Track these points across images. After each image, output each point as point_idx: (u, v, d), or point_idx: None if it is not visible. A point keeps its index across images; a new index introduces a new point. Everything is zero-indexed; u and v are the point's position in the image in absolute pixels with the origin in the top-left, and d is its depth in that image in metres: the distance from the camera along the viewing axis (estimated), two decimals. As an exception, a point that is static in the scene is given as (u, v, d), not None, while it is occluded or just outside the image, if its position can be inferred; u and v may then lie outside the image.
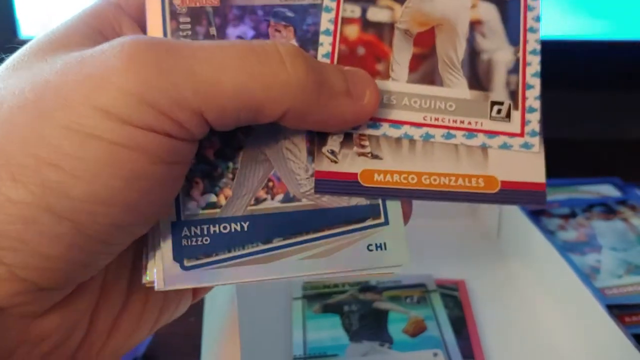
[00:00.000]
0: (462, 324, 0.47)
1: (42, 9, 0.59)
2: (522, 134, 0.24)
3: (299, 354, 0.44)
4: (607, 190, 0.63)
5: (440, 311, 0.48)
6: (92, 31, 0.23)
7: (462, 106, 0.25)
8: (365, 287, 0.50)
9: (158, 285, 0.23)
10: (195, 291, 0.27)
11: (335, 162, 0.24)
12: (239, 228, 0.24)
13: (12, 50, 0.22)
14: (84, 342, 0.23)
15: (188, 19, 0.24)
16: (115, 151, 0.19)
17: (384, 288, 0.50)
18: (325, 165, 0.24)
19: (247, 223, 0.24)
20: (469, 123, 0.24)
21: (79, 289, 0.22)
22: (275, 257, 0.24)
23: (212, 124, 0.20)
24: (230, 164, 0.24)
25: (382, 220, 0.24)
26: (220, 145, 0.24)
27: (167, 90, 0.19)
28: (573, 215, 0.58)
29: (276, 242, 0.24)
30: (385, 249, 0.24)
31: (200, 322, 0.46)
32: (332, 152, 0.24)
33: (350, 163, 0.24)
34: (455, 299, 0.50)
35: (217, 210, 0.24)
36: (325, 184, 0.24)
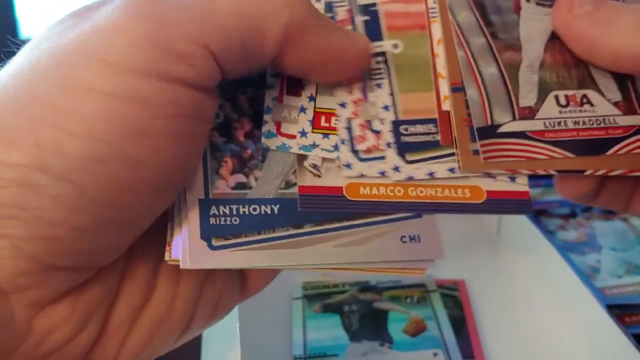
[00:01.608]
0: (462, 324, 0.47)
1: (42, 9, 0.59)
2: None
3: (299, 353, 0.44)
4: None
5: (440, 311, 0.48)
6: None
7: None
8: (365, 287, 0.50)
9: (183, 264, 0.22)
10: (245, 287, 0.26)
11: (319, 176, 0.23)
12: (269, 211, 0.23)
13: (12, 50, 0.22)
14: (99, 339, 0.21)
15: None
16: (112, 103, 0.17)
17: (384, 288, 0.50)
18: (308, 180, 0.23)
19: (278, 206, 0.23)
20: None
21: (94, 275, 0.20)
22: (306, 242, 0.23)
23: (217, 55, 0.19)
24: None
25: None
26: (250, 127, 0.24)
27: (166, 26, 0.18)
28: (573, 215, 0.58)
29: (307, 228, 0.23)
30: (419, 241, 0.24)
31: (200, 322, 0.46)
32: (315, 166, 0.23)
33: (334, 177, 0.23)
34: (455, 299, 0.50)
35: (247, 191, 0.23)
36: (310, 199, 0.23)
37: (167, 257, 0.22)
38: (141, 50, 0.18)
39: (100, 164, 0.18)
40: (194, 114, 0.19)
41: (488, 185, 0.24)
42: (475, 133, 0.23)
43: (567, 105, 0.23)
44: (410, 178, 0.23)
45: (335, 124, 0.23)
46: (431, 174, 0.23)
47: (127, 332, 0.22)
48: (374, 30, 0.24)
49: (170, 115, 0.18)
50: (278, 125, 0.24)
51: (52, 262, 0.18)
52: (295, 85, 0.24)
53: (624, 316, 0.46)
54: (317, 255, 0.23)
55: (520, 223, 0.53)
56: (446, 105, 0.24)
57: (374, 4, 0.24)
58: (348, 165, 0.23)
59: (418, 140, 0.23)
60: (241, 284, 0.26)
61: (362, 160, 0.23)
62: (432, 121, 0.24)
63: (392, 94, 0.24)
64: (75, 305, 0.20)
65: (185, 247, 0.22)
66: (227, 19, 0.19)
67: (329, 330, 0.46)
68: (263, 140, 0.23)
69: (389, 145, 0.23)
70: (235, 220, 0.23)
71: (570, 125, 0.23)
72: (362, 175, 0.23)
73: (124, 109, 0.18)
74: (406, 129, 0.23)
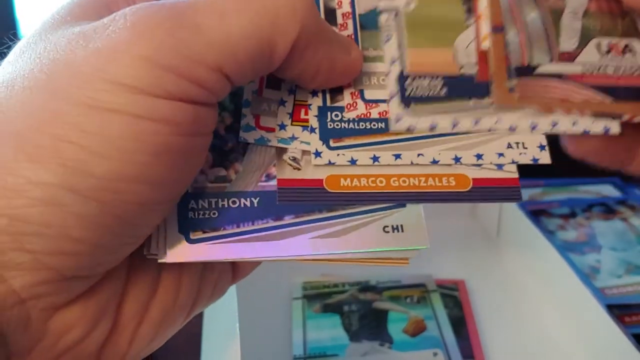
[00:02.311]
0: (461, 324, 0.47)
1: (42, 9, 0.59)
2: None
3: (299, 353, 0.44)
4: (607, 190, 0.63)
5: (440, 311, 0.48)
6: (98, 5, 0.22)
7: None
8: (365, 287, 0.50)
9: (160, 258, 0.22)
10: (235, 272, 0.26)
11: (298, 169, 0.23)
12: (248, 203, 0.23)
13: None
14: (111, 334, 0.22)
15: None
16: (137, 124, 0.18)
17: (384, 288, 0.50)
18: (287, 173, 0.23)
19: (258, 199, 0.23)
20: None
21: (104, 277, 0.21)
22: (286, 234, 0.23)
23: (231, 77, 0.19)
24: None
25: None
26: (231, 120, 0.24)
27: (179, 49, 0.18)
28: (573, 215, 0.58)
29: (287, 220, 0.23)
30: (402, 230, 0.23)
31: (200, 322, 0.46)
32: (294, 159, 0.23)
33: (314, 169, 0.23)
34: (455, 299, 0.50)
35: (227, 184, 0.23)
36: (289, 192, 0.23)
37: (145, 251, 0.22)
38: (157, 74, 0.18)
39: (124, 183, 0.18)
40: (208, 129, 0.20)
41: (474, 173, 0.24)
42: (512, 71, 0.23)
43: (609, 52, 0.24)
44: (354, 161, 0.23)
45: (306, 114, 0.23)
46: (375, 158, 0.23)
47: (136, 325, 0.22)
48: None
49: (190, 133, 0.19)
50: (257, 118, 0.24)
51: (71, 274, 0.19)
52: (275, 78, 0.24)
53: (624, 316, 0.46)
54: (297, 247, 0.23)
55: (520, 223, 0.53)
56: (485, 45, 0.24)
57: None
58: (317, 154, 0.23)
59: (423, 94, 0.23)
60: (233, 268, 0.26)
61: (331, 148, 0.23)
62: (439, 76, 0.24)
63: (400, 48, 0.24)
64: (87, 306, 0.20)
65: (162, 241, 0.22)
66: (240, 41, 0.19)
67: (328, 330, 0.46)
68: (241, 133, 0.23)
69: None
70: (214, 214, 0.23)
71: (610, 72, 0.23)
72: (332, 164, 0.23)
73: (148, 129, 0.18)
74: (413, 81, 0.24)
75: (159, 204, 0.20)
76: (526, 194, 0.62)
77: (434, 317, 0.47)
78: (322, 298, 0.49)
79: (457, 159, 0.23)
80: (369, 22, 0.25)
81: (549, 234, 0.55)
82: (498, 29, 0.24)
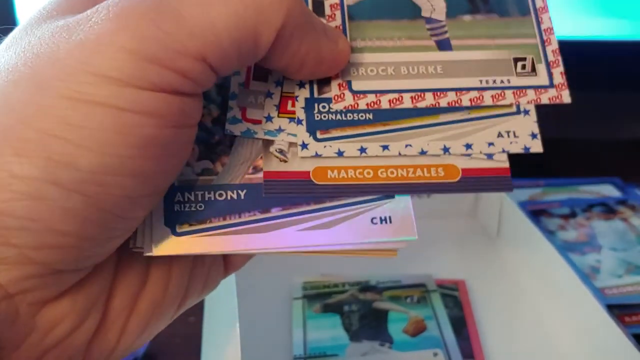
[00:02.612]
0: (462, 324, 0.47)
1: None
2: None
3: (299, 353, 0.44)
4: (607, 190, 0.63)
5: (440, 311, 0.48)
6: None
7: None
8: (366, 287, 0.50)
9: (146, 251, 0.22)
10: (227, 265, 0.26)
11: (285, 161, 0.23)
12: (235, 196, 0.23)
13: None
14: (99, 329, 0.22)
15: None
16: (122, 117, 0.18)
17: (384, 288, 0.50)
18: (274, 166, 0.23)
19: (244, 191, 0.23)
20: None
21: (92, 270, 0.21)
22: (273, 227, 0.23)
23: (215, 67, 0.19)
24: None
25: None
26: (218, 112, 0.24)
27: (162, 40, 0.18)
28: (573, 215, 0.58)
29: (275, 212, 0.23)
30: (391, 222, 0.23)
31: (200, 322, 0.46)
32: (281, 151, 0.23)
33: (300, 161, 0.23)
34: (455, 299, 0.50)
35: (213, 177, 0.23)
36: (275, 184, 0.23)
37: (131, 244, 0.22)
38: (141, 66, 0.18)
39: (110, 176, 0.18)
40: (193, 121, 0.20)
41: (464, 163, 0.23)
42: None
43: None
44: (341, 153, 0.23)
45: (293, 106, 0.23)
46: (363, 149, 0.23)
47: (126, 319, 0.22)
48: None
49: (176, 125, 0.19)
50: (243, 111, 0.23)
51: (59, 267, 0.19)
52: (262, 70, 0.23)
53: (624, 316, 0.46)
54: (284, 239, 0.23)
55: (520, 223, 0.53)
56: None
57: None
58: (304, 146, 0.23)
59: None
60: (225, 261, 0.26)
61: (318, 140, 0.23)
62: None
63: None
64: (75, 300, 0.20)
65: (149, 234, 0.22)
66: (224, 31, 0.19)
67: (329, 330, 0.46)
68: (227, 126, 0.23)
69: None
70: (201, 207, 0.23)
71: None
72: (319, 155, 0.23)
73: (133, 122, 0.18)
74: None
75: (144, 196, 0.20)
76: (526, 194, 0.62)
77: (434, 317, 0.47)
78: (322, 298, 0.49)
79: (446, 149, 0.23)
80: (357, 13, 0.25)
81: (549, 234, 0.55)
82: None
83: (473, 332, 0.46)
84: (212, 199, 0.23)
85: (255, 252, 0.23)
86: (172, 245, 0.22)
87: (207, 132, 0.23)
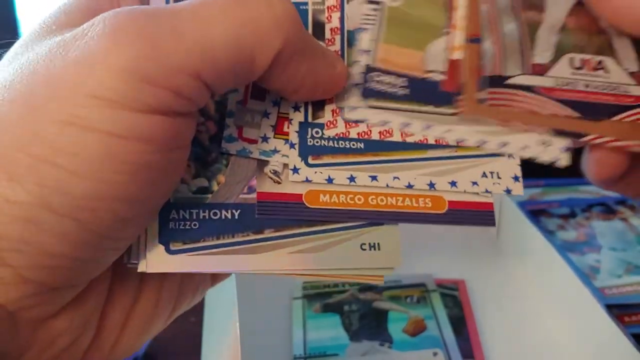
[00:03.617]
0: (461, 324, 0.47)
1: (42, 9, 0.59)
2: None
3: (299, 353, 0.44)
4: (607, 190, 0.63)
5: (440, 311, 0.48)
6: (85, 12, 0.21)
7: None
8: (365, 287, 0.50)
9: (140, 268, 0.22)
10: (214, 277, 0.26)
11: (279, 182, 0.23)
12: (229, 215, 0.23)
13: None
14: (94, 340, 0.22)
15: None
16: (115, 143, 0.18)
17: (384, 288, 0.50)
18: (267, 187, 0.23)
19: (239, 211, 0.23)
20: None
21: (88, 286, 0.21)
22: (265, 248, 0.23)
23: (210, 85, 0.19)
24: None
25: None
26: (216, 130, 0.24)
27: (158, 58, 0.18)
28: (573, 215, 0.58)
29: (267, 233, 0.23)
30: (379, 249, 0.23)
31: (200, 322, 0.47)
32: (275, 173, 0.23)
33: (294, 184, 0.23)
34: (455, 299, 0.50)
35: (209, 195, 0.23)
36: (268, 206, 0.23)
37: (125, 260, 0.22)
38: (136, 86, 0.18)
39: (102, 201, 0.18)
40: (187, 142, 0.20)
41: (451, 195, 0.24)
42: (484, 82, 0.23)
43: (581, 68, 0.24)
44: (330, 180, 0.23)
45: (287, 127, 0.23)
46: (352, 178, 0.23)
47: (119, 331, 0.23)
48: None
49: (168, 148, 0.19)
50: (240, 129, 0.23)
51: (54, 286, 0.19)
52: (260, 89, 0.23)
53: (624, 316, 0.46)
54: (275, 261, 0.23)
55: (520, 223, 0.53)
56: (456, 55, 0.24)
57: None
58: (295, 170, 0.23)
59: (384, 89, 0.24)
60: (211, 274, 0.27)
61: (309, 165, 0.23)
62: (404, 76, 0.24)
63: (374, 41, 0.24)
64: (72, 316, 0.21)
65: (143, 250, 0.22)
66: (221, 50, 0.19)
67: (329, 330, 0.46)
68: (223, 144, 0.23)
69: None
70: (195, 225, 0.23)
71: (580, 87, 0.23)
72: (309, 181, 0.23)
73: (126, 148, 0.18)
74: (378, 76, 0.24)
75: (137, 218, 0.20)
76: (526, 194, 0.62)
77: (434, 316, 0.47)
78: (322, 298, 0.49)
79: (431, 185, 0.24)
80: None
81: (548, 234, 0.55)
82: (475, 39, 0.24)
83: (473, 332, 0.46)
84: (207, 217, 0.23)
85: (246, 272, 0.23)
86: (165, 263, 0.22)
87: (204, 149, 0.23)
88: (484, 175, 0.24)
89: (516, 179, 0.24)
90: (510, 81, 0.23)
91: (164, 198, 0.21)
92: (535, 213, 0.58)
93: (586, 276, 0.49)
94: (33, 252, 0.18)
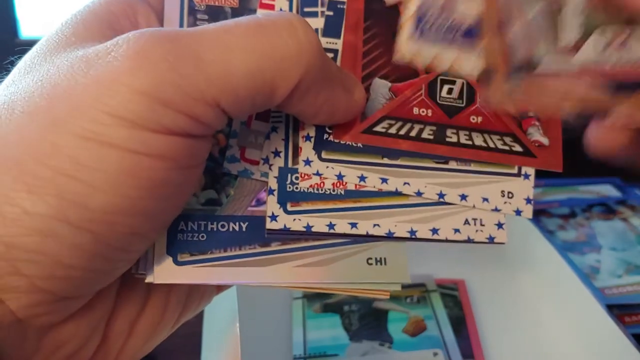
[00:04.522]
0: (461, 324, 0.47)
1: (42, 9, 0.59)
2: None
3: (299, 353, 0.44)
4: (607, 190, 0.63)
5: (440, 311, 0.48)
6: (102, 24, 0.22)
7: None
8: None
9: (148, 279, 0.22)
10: (219, 286, 0.27)
11: None
12: (237, 228, 0.23)
13: (12, 50, 0.22)
14: (100, 347, 0.22)
15: (206, 17, 0.24)
16: (133, 160, 0.18)
17: (383, 288, 0.50)
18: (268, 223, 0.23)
19: (247, 224, 0.23)
20: None
21: (96, 294, 0.21)
22: (272, 261, 0.23)
23: (228, 113, 0.19)
24: None
25: None
26: (226, 142, 0.24)
27: (179, 85, 0.18)
28: (573, 215, 0.58)
29: (274, 246, 0.23)
30: (385, 264, 0.24)
31: (200, 322, 0.46)
32: None
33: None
34: (455, 299, 0.50)
35: (217, 207, 0.23)
36: (275, 233, 0.23)
37: (133, 270, 0.22)
38: (156, 110, 0.18)
39: (118, 216, 0.18)
40: (202, 160, 0.20)
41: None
42: (515, 69, 0.23)
43: (608, 47, 0.23)
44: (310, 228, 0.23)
45: (268, 170, 0.23)
46: (331, 225, 0.23)
47: (125, 339, 0.23)
48: (333, 26, 0.24)
49: (184, 166, 0.19)
50: (242, 150, 0.24)
51: (65, 295, 0.19)
52: (265, 111, 0.23)
53: (624, 316, 0.46)
54: (282, 274, 0.23)
55: (520, 223, 0.53)
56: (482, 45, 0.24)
57: (342, 2, 0.24)
58: (273, 217, 0.23)
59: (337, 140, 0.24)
60: None
61: (288, 212, 0.23)
62: None
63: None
64: (79, 324, 0.21)
65: (151, 261, 0.22)
66: (241, 80, 0.19)
67: (329, 330, 0.46)
68: (225, 164, 0.23)
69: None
70: (203, 237, 0.23)
71: (608, 67, 0.23)
72: (287, 229, 0.23)
73: (144, 164, 0.18)
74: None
75: (150, 231, 0.20)
76: (526, 194, 0.62)
77: (434, 317, 0.47)
78: (322, 298, 0.49)
79: (412, 232, 0.24)
80: None
81: (548, 234, 0.55)
82: (501, 24, 0.24)
83: (473, 332, 0.46)
84: (215, 229, 0.23)
85: (252, 285, 0.23)
86: (172, 274, 0.22)
87: (214, 161, 0.24)
88: (467, 222, 0.24)
89: (500, 226, 0.25)
90: (541, 67, 0.23)
91: (176, 212, 0.21)
92: (535, 213, 0.58)
93: (586, 276, 0.49)
94: (48, 263, 0.18)
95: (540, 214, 0.58)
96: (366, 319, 0.47)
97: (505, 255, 0.55)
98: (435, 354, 0.44)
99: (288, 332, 0.46)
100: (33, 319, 0.19)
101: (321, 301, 0.49)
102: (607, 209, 0.59)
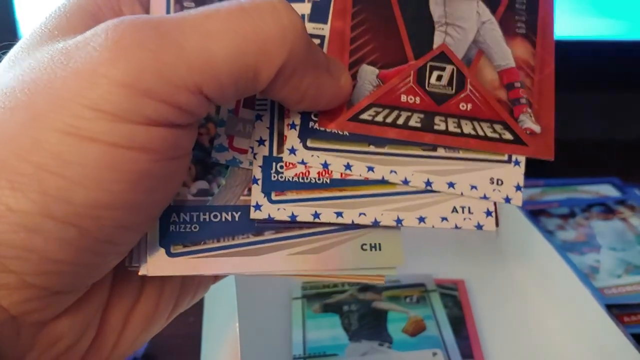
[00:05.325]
0: (461, 324, 0.47)
1: (42, 10, 0.59)
2: None
3: (299, 353, 0.44)
4: (606, 190, 0.63)
5: (440, 311, 0.48)
6: (85, 16, 0.21)
7: None
8: (365, 287, 0.50)
9: (141, 271, 0.22)
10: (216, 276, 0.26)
11: None
12: (229, 218, 0.23)
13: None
14: (95, 341, 0.22)
15: (193, 5, 0.23)
16: (115, 153, 0.18)
17: (383, 288, 0.50)
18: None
19: (239, 213, 0.23)
20: None
21: (89, 288, 0.21)
22: (266, 250, 0.23)
23: (212, 99, 0.19)
24: None
25: None
26: (216, 131, 0.24)
27: (160, 73, 0.18)
28: (572, 215, 0.58)
29: (267, 235, 0.23)
30: (380, 249, 0.23)
31: (200, 322, 0.46)
32: None
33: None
34: (454, 299, 0.50)
35: (209, 198, 0.23)
36: (262, 222, 0.23)
37: (127, 263, 0.22)
38: (136, 100, 0.18)
39: (103, 209, 0.18)
40: (187, 150, 0.20)
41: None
42: None
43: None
44: (294, 217, 0.23)
45: (252, 160, 0.23)
46: (316, 214, 0.23)
47: (119, 332, 0.23)
48: (321, 12, 0.24)
49: (168, 157, 0.19)
50: (230, 139, 0.23)
51: (56, 290, 0.19)
52: (252, 98, 0.23)
53: (623, 316, 0.46)
54: (276, 263, 0.23)
55: (520, 223, 0.53)
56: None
57: None
58: (257, 207, 0.23)
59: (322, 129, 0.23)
60: None
61: (272, 202, 0.23)
62: None
63: None
64: (74, 319, 0.21)
65: (144, 254, 0.22)
66: (224, 65, 0.18)
67: (328, 330, 0.46)
68: (213, 153, 0.23)
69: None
70: (195, 228, 0.23)
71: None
72: (272, 218, 0.23)
73: (126, 157, 0.18)
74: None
75: (138, 224, 0.20)
76: (526, 193, 0.61)
77: (433, 317, 0.47)
78: (321, 298, 0.49)
79: (399, 221, 0.23)
80: None
81: (548, 234, 0.55)
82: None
83: (472, 332, 0.46)
84: (207, 220, 0.23)
85: (246, 274, 0.23)
86: (166, 266, 0.22)
87: (205, 151, 0.23)
88: (455, 210, 0.24)
89: (489, 213, 0.24)
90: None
91: (165, 204, 0.21)
92: (535, 213, 0.58)
93: (586, 276, 0.49)
94: (36, 258, 0.18)
95: (539, 214, 0.58)
96: (365, 319, 0.47)
97: (505, 256, 0.55)
98: (434, 354, 0.44)
99: (287, 332, 0.46)
100: (26, 315, 0.19)
101: (321, 301, 0.49)
102: (607, 209, 0.59)
